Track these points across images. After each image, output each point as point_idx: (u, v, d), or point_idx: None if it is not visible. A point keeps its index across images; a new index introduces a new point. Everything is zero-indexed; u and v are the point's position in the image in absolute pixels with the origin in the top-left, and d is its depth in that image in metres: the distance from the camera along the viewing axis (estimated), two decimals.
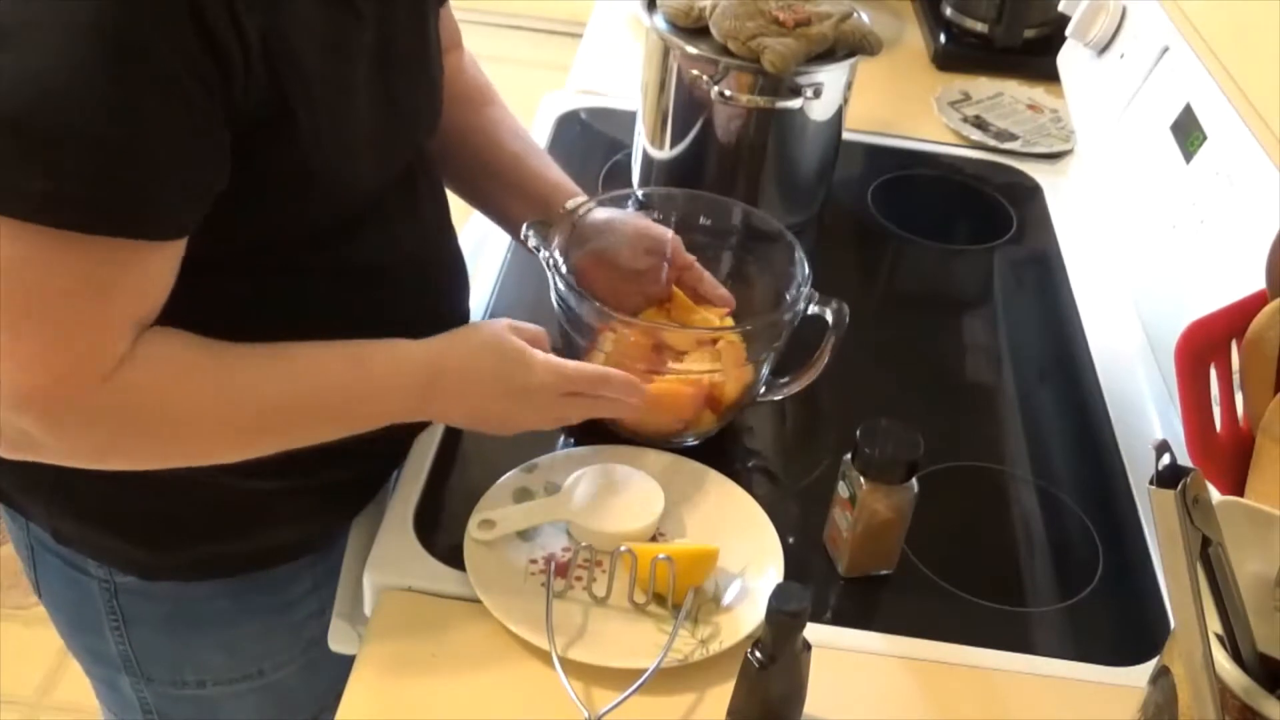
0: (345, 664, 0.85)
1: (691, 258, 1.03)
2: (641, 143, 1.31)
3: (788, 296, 1.00)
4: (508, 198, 1.06)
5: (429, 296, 0.96)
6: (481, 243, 1.23)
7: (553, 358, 0.89)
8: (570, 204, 1.02)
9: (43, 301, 0.70)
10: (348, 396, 0.84)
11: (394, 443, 0.97)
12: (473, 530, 0.89)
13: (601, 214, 1.03)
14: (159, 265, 0.74)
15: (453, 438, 1.00)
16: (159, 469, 0.81)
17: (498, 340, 0.88)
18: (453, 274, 1.02)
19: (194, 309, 0.82)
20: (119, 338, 0.73)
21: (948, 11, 1.70)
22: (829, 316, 0.97)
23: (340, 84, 0.80)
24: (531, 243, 0.98)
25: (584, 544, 0.89)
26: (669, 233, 1.03)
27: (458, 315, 1.03)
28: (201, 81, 0.69)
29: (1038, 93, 1.59)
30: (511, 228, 1.08)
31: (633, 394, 0.91)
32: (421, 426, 0.99)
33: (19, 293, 0.69)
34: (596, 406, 0.91)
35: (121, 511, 0.91)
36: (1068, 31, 1.40)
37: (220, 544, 0.94)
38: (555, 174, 1.06)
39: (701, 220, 1.07)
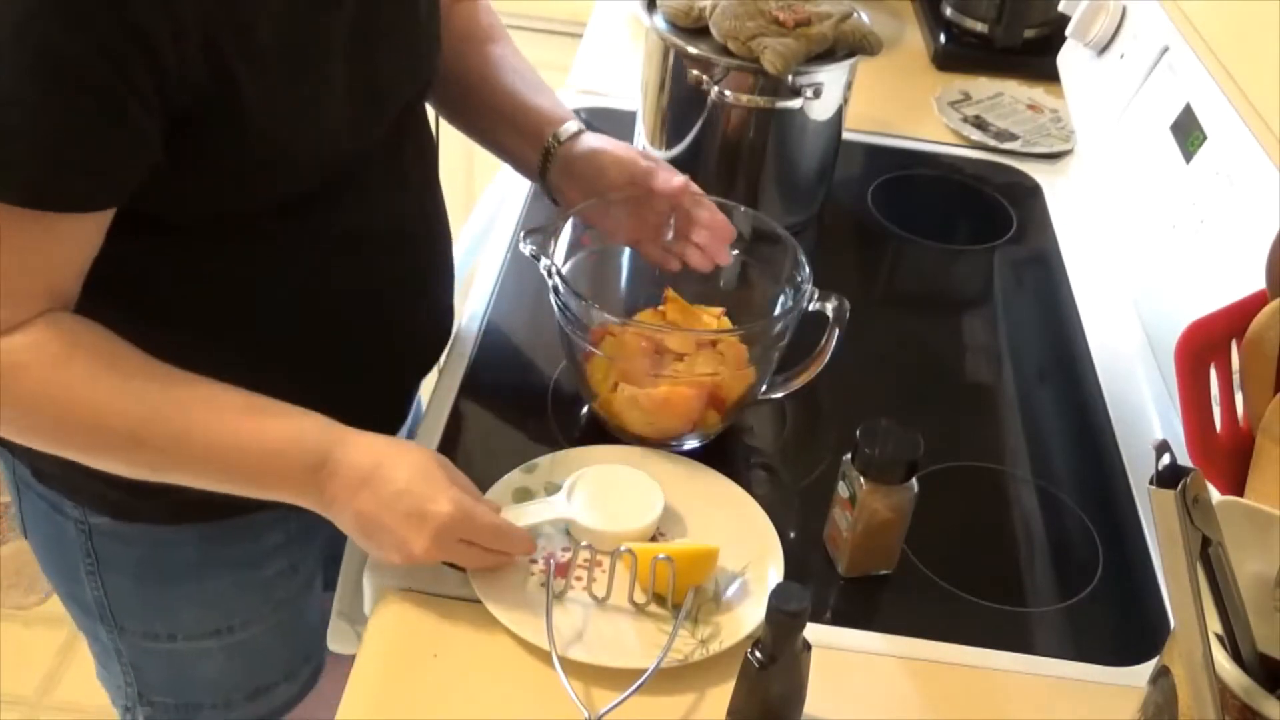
0: (315, 631, 0.85)
1: (682, 181, 1.03)
2: (641, 143, 1.31)
3: (788, 297, 1.00)
4: (502, 131, 1.06)
5: (411, 264, 0.97)
6: (480, 245, 1.23)
7: (466, 498, 0.83)
8: (563, 131, 1.03)
9: None
10: (235, 440, 0.81)
11: (387, 401, 0.99)
12: None
13: (591, 141, 1.04)
14: (60, 238, 0.75)
15: (452, 436, 1.00)
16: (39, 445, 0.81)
17: (421, 459, 0.83)
18: (438, 245, 1.02)
19: (169, 274, 0.84)
20: (15, 305, 0.75)
21: (948, 11, 1.70)
22: (830, 311, 0.97)
23: (308, 58, 0.79)
24: (529, 250, 0.97)
25: (584, 544, 0.89)
26: (655, 159, 1.03)
27: (440, 288, 1.04)
28: (118, 68, 0.69)
29: (1038, 93, 1.59)
30: (511, 159, 1.09)
31: (523, 552, 0.87)
32: (413, 388, 1.02)
33: None
34: (484, 558, 0.84)
35: None
36: (1068, 31, 1.40)
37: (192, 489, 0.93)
38: (547, 103, 1.06)
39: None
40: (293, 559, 1.00)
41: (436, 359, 1.05)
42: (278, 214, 0.85)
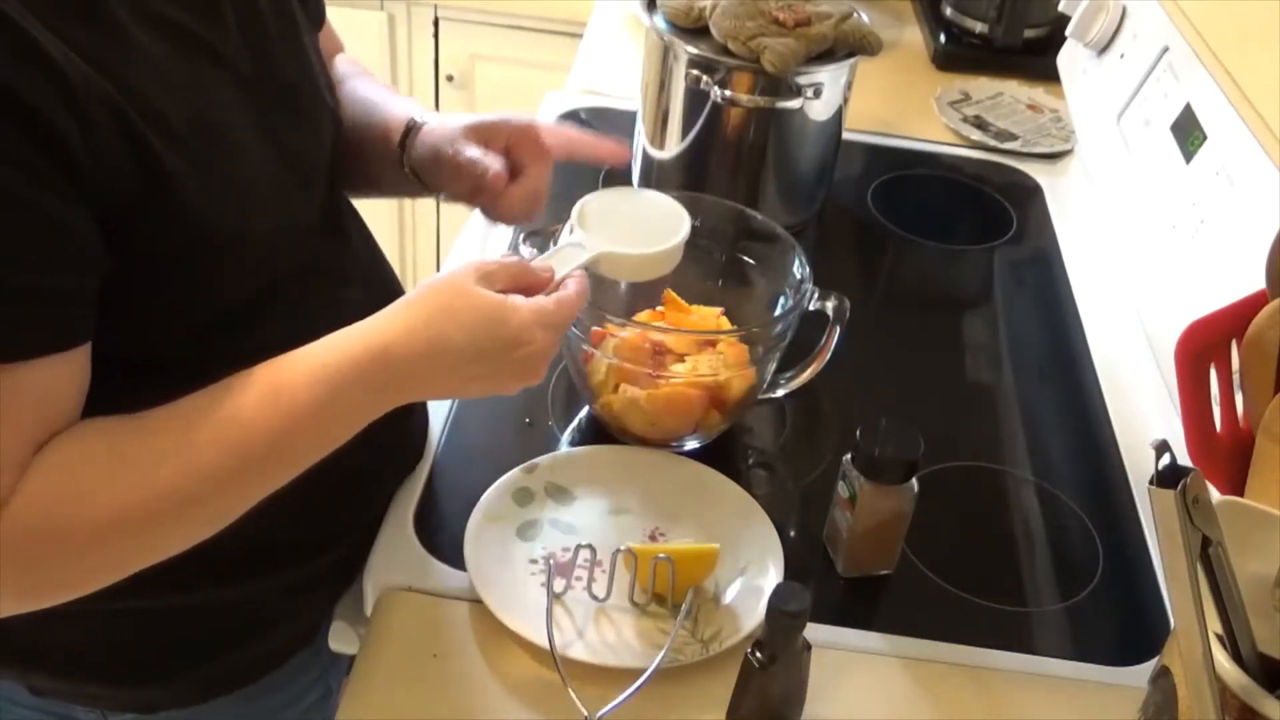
0: None
1: (466, 157, 0.87)
2: (641, 143, 1.31)
3: (788, 297, 1.00)
4: (364, 147, 0.95)
5: None
6: (480, 246, 1.23)
7: (529, 302, 0.76)
8: (418, 117, 0.92)
9: None
10: (278, 440, 0.71)
11: (364, 510, 0.93)
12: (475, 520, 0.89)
13: (441, 119, 0.93)
14: (29, 383, 0.65)
15: (453, 437, 1.00)
16: (119, 590, 0.71)
17: (464, 302, 0.74)
18: None
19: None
20: (5, 471, 0.65)
21: (948, 11, 1.70)
22: (830, 311, 0.97)
23: (219, 133, 0.72)
24: (527, 253, 0.97)
25: (585, 543, 0.89)
26: (457, 134, 0.90)
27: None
28: (37, 178, 0.61)
29: (1038, 93, 1.59)
30: (375, 177, 0.97)
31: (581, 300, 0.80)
32: (399, 482, 0.95)
33: None
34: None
35: (109, 655, 0.87)
36: (1068, 31, 1.40)
37: (222, 661, 0.90)
38: (395, 105, 0.95)
39: (701, 222, 1.07)
40: (328, 683, 0.97)
41: (413, 467, 0.97)
42: (226, 328, 0.77)
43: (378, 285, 0.93)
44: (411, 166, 0.92)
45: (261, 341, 0.76)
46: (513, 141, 0.89)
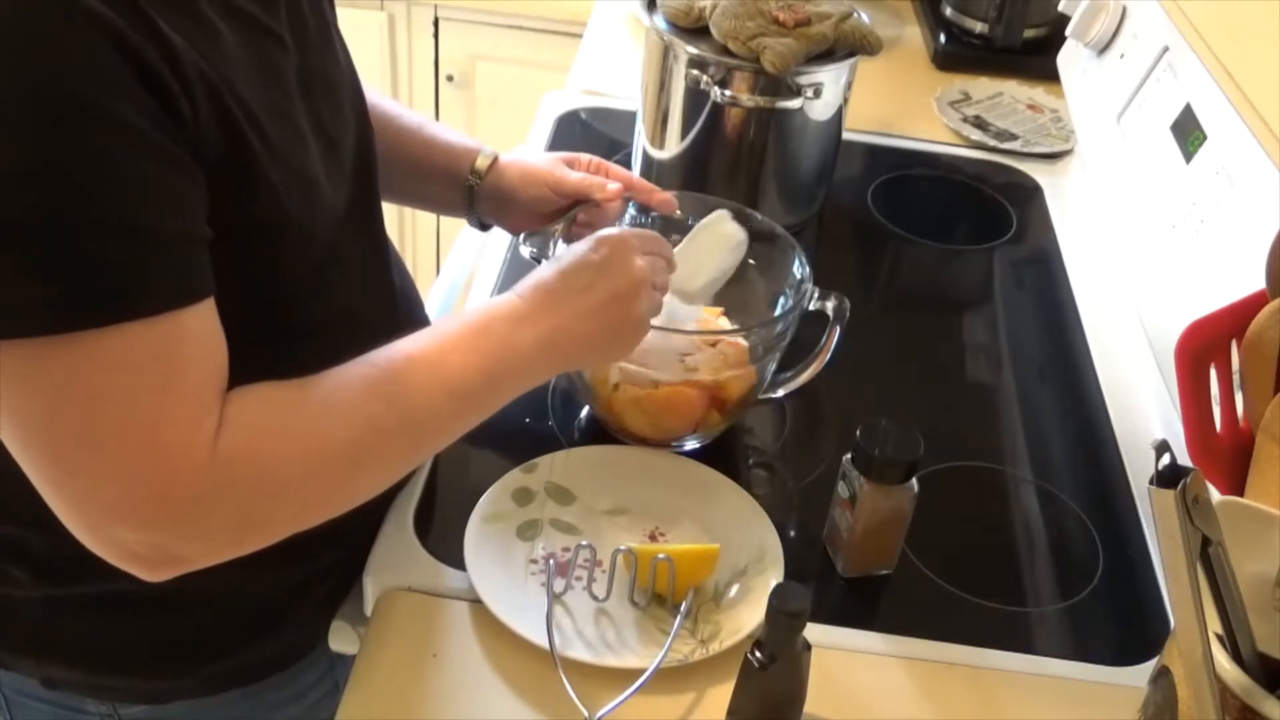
0: None
1: (578, 177, 1.02)
2: (641, 143, 1.31)
3: (788, 297, 1.00)
4: (413, 181, 1.04)
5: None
6: (482, 247, 1.23)
7: (613, 231, 0.85)
8: (479, 162, 1.02)
9: (108, 410, 0.64)
10: (469, 373, 0.79)
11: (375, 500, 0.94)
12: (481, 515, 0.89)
13: (515, 168, 1.03)
14: (203, 325, 0.68)
15: None
16: (267, 545, 0.73)
17: (568, 251, 0.84)
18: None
19: None
20: (202, 411, 0.67)
21: (948, 11, 1.70)
22: (830, 311, 0.97)
23: (286, 117, 0.75)
24: (529, 252, 0.97)
25: (584, 543, 0.89)
26: (553, 163, 1.03)
27: None
28: (156, 123, 0.63)
29: (1038, 93, 1.59)
30: (431, 204, 1.10)
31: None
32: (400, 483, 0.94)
33: (81, 411, 0.64)
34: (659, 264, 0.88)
35: (124, 650, 0.88)
36: (1068, 31, 1.40)
37: (235, 655, 0.91)
38: (452, 137, 1.05)
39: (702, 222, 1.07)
40: (336, 678, 0.97)
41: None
42: (277, 308, 0.79)
43: (397, 277, 0.95)
44: (483, 192, 1.03)
45: (300, 326, 0.79)
46: (590, 171, 1.03)
